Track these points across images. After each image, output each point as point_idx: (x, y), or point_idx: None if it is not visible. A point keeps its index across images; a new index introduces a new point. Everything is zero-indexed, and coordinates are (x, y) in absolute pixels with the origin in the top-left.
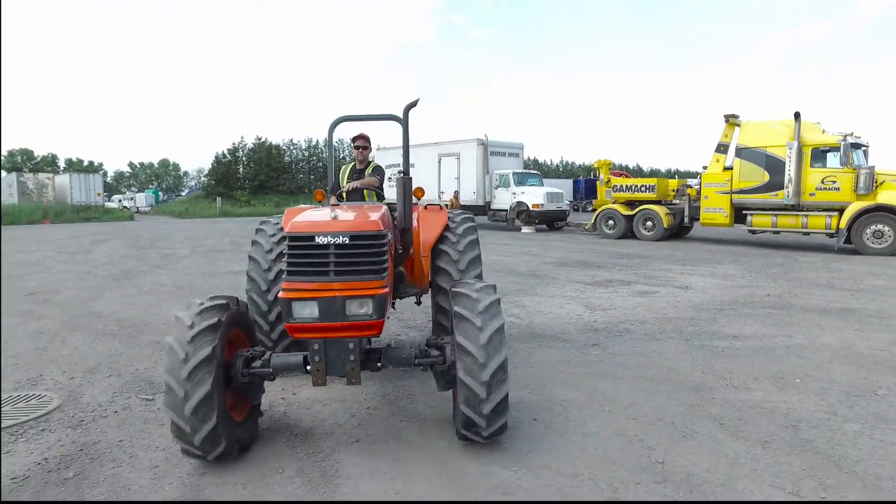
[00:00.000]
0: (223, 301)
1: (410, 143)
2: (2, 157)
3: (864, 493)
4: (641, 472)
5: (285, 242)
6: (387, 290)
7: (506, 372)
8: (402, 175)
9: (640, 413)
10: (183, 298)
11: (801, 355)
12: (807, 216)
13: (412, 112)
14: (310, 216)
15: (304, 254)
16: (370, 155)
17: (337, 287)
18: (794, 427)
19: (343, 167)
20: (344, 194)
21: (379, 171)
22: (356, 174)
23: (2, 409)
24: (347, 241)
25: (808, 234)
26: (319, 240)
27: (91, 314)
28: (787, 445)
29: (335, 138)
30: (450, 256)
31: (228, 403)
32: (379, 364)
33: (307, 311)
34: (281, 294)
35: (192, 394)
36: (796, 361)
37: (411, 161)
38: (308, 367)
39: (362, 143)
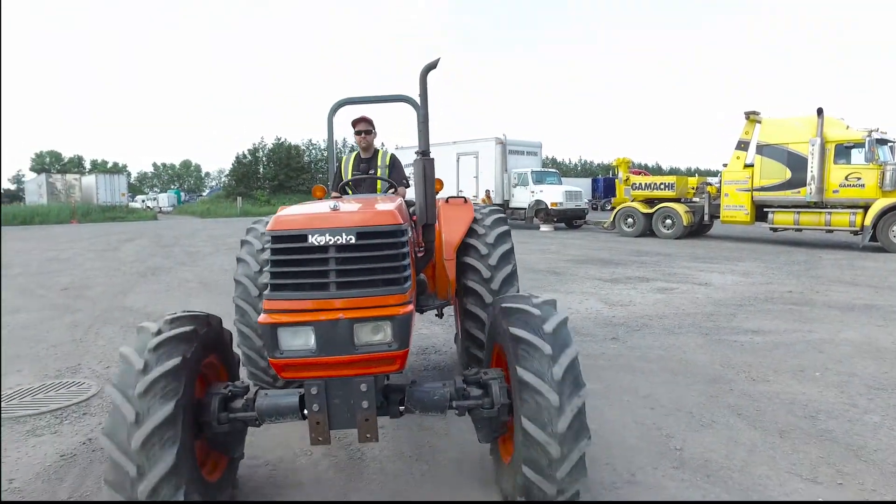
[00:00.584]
0: (188, 327)
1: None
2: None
3: (883, 481)
4: (660, 458)
5: (268, 245)
6: (410, 307)
7: (585, 419)
8: (420, 156)
9: (658, 403)
10: (208, 294)
11: (822, 350)
12: (830, 213)
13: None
14: (301, 209)
15: (293, 260)
16: (375, 141)
17: (341, 306)
18: (813, 417)
19: (344, 157)
20: (349, 187)
21: (397, 165)
22: (363, 163)
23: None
24: (353, 241)
25: (831, 231)
26: (314, 239)
27: (122, 308)
28: (805, 435)
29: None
30: (479, 274)
31: (199, 458)
32: (402, 408)
33: (300, 341)
34: (262, 317)
35: (148, 470)
36: (817, 355)
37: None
38: (306, 413)
39: (365, 126)
